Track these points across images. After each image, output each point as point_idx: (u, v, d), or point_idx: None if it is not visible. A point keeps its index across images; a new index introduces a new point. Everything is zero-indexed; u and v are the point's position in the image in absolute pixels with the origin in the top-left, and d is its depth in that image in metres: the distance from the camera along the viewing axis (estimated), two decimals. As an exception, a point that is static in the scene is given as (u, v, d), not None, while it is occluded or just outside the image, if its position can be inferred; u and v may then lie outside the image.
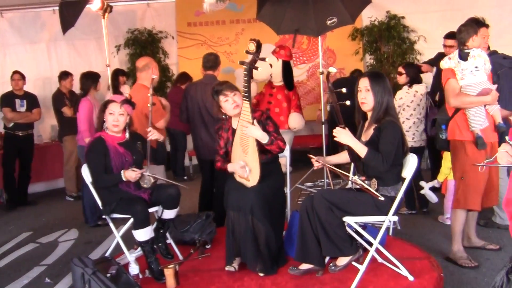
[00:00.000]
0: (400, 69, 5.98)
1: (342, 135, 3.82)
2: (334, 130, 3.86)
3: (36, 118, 7.79)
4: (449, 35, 6.27)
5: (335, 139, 3.88)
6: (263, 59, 4.32)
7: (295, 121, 7.43)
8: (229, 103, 4.38)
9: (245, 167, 4.26)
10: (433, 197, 5.50)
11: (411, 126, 5.79)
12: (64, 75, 7.88)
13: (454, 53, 4.47)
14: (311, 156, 4.15)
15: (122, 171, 4.21)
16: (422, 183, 5.53)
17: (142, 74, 5.30)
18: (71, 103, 7.53)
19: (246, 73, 4.21)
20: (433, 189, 5.58)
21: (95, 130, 4.67)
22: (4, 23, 8.58)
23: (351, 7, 6.15)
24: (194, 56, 9.51)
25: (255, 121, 4.24)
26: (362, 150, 3.77)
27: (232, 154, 4.44)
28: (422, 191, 5.53)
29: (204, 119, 5.49)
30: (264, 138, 4.22)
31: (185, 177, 8.88)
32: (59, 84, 7.88)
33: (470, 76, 4.33)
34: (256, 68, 4.26)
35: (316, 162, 4.10)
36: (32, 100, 7.77)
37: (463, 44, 4.48)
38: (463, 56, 4.36)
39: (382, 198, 3.75)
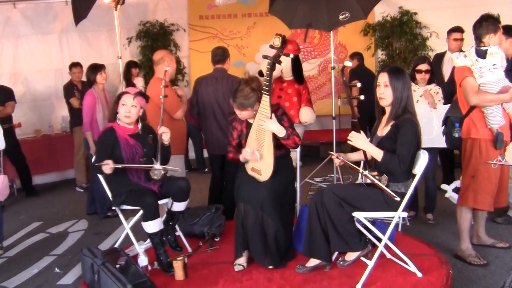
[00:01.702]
0: (426, 66, 5.51)
1: (357, 139, 3.81)
2: (349, 134, 3.85)
3: (8, 112, 7.53)
4: (457, 29, 6.23)
5: (349, 142, 3.87)
6: (287, 55, 4.31)
7: (306, 115, 7.41)
8: (238, 113, 4.42)
9: (255, 152, 4.26)
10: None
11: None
12: (70, 66, 7.89)
13: (470, 51, 4.39)
14: (332, 152, 4.14)
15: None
16: (444, 186, 5.44)
17: (158, 68, 5.34)
18: (81, 94, 7.54)
19: (269, 67, 4.20)
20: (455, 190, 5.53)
21: (107, 120, 4.69)
22: (17, 14, 8.59)
23: (364, 2, 6.13)
24: (206, 49, 9.50)
25: (273, 115, 4.24)
26: (378, 154, 3.75)
27: (246, 148, 4.42)
28: (446, 195, 5.42)
29: (215, 114, 5.50)
30: (282, 132, 4.21)
31: (206, 169, 8.81)
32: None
33: (489, 73, 4.27)
34: (280, 63, 4.27)
35: (337, 159, 4.05)
36: (5, 94, 7.54)
37: (480, 40, 4.43)
38: (481, 54, 4.31)
39: (398, 199, 3.72)
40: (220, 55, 5.62)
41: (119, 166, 4.21)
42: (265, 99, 4.24)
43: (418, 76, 5.53)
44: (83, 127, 6.36)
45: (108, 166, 4.12)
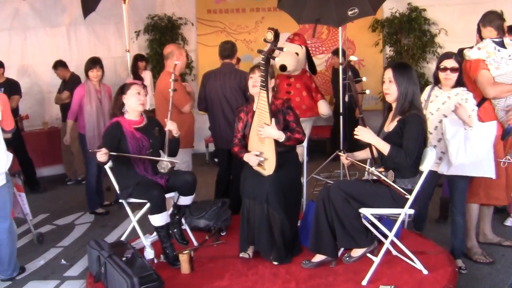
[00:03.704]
0: (453, 63, 4.28)
1: (364, 133, 3.81)
2: (355, 129, 3.86)
3: (12, 106, 6.77)
4: None
5: (356, 137, 3.88)
6: (281, 49, 4.31)
7: (325, 108, 7.46)
8: (252, 80, 4.43)
9: (259, 157, 4.27)
10: None
11: None
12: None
13: (484, 43, 4.38)
14: (340, 154, 4.13)
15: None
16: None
17: (168, 62, 5.39)
18: (66, 88, 7.57)
19: (263, 62, 4.20)
20: None
21: (109, 115, 4.69)
22: (26, 6, 8.58)
23: (373, -2, 6.12)
24: (213, 43, 9.46)
25: (273, 120, 4.23)
26: (384, 148, 3.75)
27: (249, 142, 4.45)
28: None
29: (223, 108, 5.50)
30: (281, 137, 4.23)
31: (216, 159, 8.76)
32: None
33: (505, 65, 4.26)
34: (274, 58, 4.26)
35: (346, 160, 4.05)
36: (10, 87, 7.36)
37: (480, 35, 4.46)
38: (499, 45, 4.33)
39: (408, 196, 3.76)
40: (229, 50, 5.63)
41: (114, 153, 4.19)
42: (263, 95, 4.24)
43: (441, 75, 4.34)
44: (68, 116, 6.42)
45: (101, 153, 4.07)
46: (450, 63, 4.26)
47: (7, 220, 4.48)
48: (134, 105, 4.40)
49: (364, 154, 4.19)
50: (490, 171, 4.25)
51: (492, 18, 4.50)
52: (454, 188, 4.38)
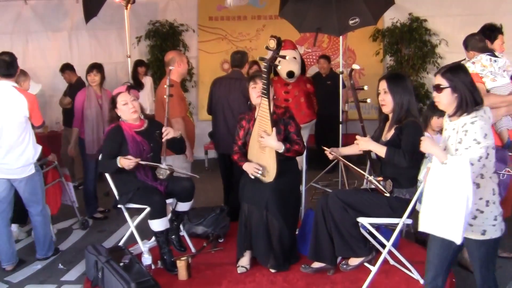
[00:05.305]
0: (439, 79, 3.05)
1: (363, 143, 3.85)
2: (356, 136, 3.89)
3: None
4: None
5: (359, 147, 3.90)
6: (283, 57, 4.32)
7: None
8: (255, 90, 4.42)
9: (258, 172, 4.29)
10: None
11: None
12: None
13: (478, 58, 4.41)
14: (325, 148, 4.16)
15: (118, 158, 4.22)
16: None
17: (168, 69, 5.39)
18: (68, 94, 7.55)
19: (265, 70, 4.22)
20: None
21: (107, 123, 4.69)
22: (28, 10, 8.63)
23: (374, 8, 6.14)
24: (214, 50, 9.55)
25: (274, 129, 4.25)
26: (381, 150, 3.78)
27: (249, 149, 4.46)
28: None
29: (225, 113, 5.53)
30: (280, 148, 4.25)
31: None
32: None
33: (500, 77, 4.30)
34: (276, 66, 4.28)
35: (330, 154, 4.12)
36: None
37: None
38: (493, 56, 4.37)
39: (387, 194, 3.80)
40: (238, 60, 5.69)
41: (143, 162, 4.26)
42: (264, 102, 4.26)
43: None
44: (73, 123, 6.31)
45: (129, 161, 4.15)
46: (436, 79, 3.10)
47: (39, 204, 4.94)
48: (127, 115, 4.40)
49: (348, 150, 4.24)
50: (455, 233, 2.83)
51: (474, 43, 4.56)
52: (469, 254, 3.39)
